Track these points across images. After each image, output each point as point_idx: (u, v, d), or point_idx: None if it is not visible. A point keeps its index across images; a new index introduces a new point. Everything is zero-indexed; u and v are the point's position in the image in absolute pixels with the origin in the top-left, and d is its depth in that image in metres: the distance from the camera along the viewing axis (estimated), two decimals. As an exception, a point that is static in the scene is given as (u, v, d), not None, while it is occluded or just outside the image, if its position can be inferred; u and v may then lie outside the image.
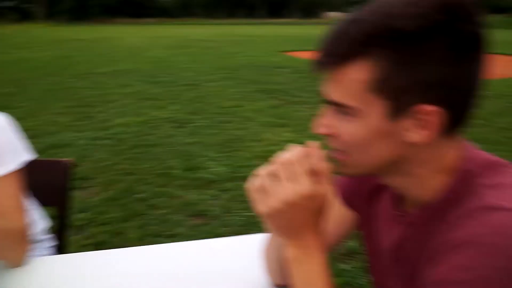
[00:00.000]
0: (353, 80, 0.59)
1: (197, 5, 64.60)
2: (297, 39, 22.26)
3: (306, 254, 0.68)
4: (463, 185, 0.61)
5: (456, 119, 0.60)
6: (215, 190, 3.45)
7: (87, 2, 52.35)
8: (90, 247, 2.52)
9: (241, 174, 3.76)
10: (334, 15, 67.88)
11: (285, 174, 0.66)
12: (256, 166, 3.10)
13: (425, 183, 0.65)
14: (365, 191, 0.82)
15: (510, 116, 5.92)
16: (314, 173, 0.65)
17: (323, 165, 0.66)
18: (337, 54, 0.60)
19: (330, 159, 0.69)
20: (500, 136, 4.96)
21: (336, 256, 2.55)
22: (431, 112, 0.58)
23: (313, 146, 0.68)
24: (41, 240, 1.32)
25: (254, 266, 1.10)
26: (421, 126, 0.59)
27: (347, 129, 0.63)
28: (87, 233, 2.76)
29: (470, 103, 0.61)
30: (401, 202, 0.73)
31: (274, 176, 0.66)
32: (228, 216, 3.04)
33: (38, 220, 1.31)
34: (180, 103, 6.61)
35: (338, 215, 0.87)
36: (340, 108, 0.62)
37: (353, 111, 0.61)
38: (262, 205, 0.67)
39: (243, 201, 3.25)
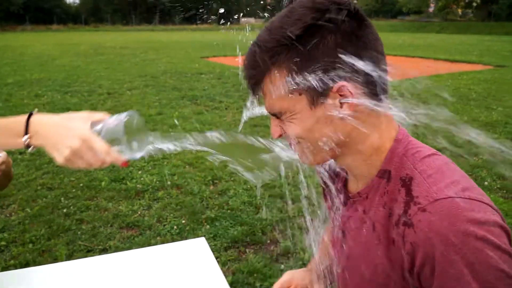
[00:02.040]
0: (273, 90, 0.70)
1: (109, 11, 62.18)
2: (214, 45, 22.36)
3: None
4: (396, 167, 0.71)
5: (371, 89, 0.69)
6: (146, 200, 3.39)
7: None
8: (15, 268, 2.35)
9: (171, 182, 3.74)
10: (248, 20, 69.26)
11: None
12: (186, 173, 3.19)
13: (366, 161, 0.75)
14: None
15: (415, 114, 6.50)
16: None
17: None
18: (253, 76, 0.71)
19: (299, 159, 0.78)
20: (411, 132, 5.42)
21: (273, 257, 2.64)
22: (342, 88, 0.67)
23: None
24: None
25: (190, 271, 1.14)
26: (343, 101, 0.68)
27: (288, 128, 0.73)
28: (10, 254, 2.58)
29: (377, 72, 0.70)
30: (348, 183, 0.83)
31: None
32: (162, 225, 3.01)
33: None
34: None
35: None
36: (277, 115, 0.73)
37: (285, 113, 0.71)
38: None
39: (176, 209, 3.25)
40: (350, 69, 0.67)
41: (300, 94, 0.68)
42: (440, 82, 9.56)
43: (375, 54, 0.70)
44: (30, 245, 2.69)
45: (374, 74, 0.70)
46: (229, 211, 3.21)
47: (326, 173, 0.92)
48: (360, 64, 0.68)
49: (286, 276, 0.91)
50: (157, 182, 3.72)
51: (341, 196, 0.85)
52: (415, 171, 0.69)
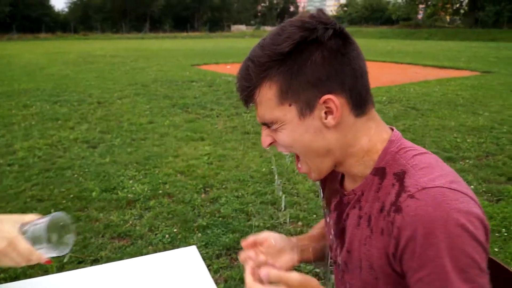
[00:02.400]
0: (264, 100, 0.77)
1: (98, 19, 62.01)
2: (205, 52, 22.45)
3: None
4: (389, 164, 0.77)
5: (357, 99, 0.77)
6: (138, 209, 3.40)
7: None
8: (5, 281, 2.35)
9: (163, 191, 3.74)
10: (239, 27, 69.44)
11: None
12: (177, 181, 3.23)
13: (360, 162, 0.81)
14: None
15: (406, 119, 6.57)
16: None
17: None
18: (246, 88, 0.77)
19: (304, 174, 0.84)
20: (398, 138, 5.50)
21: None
22: (329, 100, 0.74)
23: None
24: None
25: (182, 280, 1.15)
26: (329, 112, 0.75)
27: (279, 137, 0.80)
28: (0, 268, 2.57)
29: (361, 87, 0.78)
30: (342, 179, 0.90)
31: None
32: (153, 234, 3.02)
33: None
34: (90, 122, 6.35)
35: None
36: (268, 124, 0.79)
37: (276, 123, 0.78)
38: None
39: (168, 217, 3.26)
40: (336, 83, 0.74)
41: (290, 105, 0.75)
42: (428, 88, 9.69)
43: (358, 69, 0.77)
44: (21, 257, 2.68)
45: (357, 87, 0.77)
46: (220, 218, 3.23)
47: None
48: (345, 78, 0.75)
49: (263, 234, 0.95)
50: (149, 191, 3.73)
51: (338, 195, 0.91)
52: (408, 166, 0.75)
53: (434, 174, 0.71)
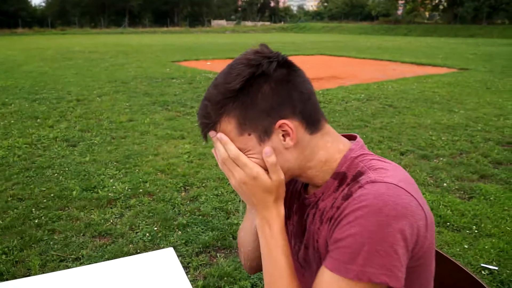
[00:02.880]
0: (226, 133, 0.84)
1: (76, 14, 60.86)
2: (185, 48, 22.33)
3: (267, 223, 0.87)
4: (349, 168, 0.85)
5: (309, 118, 0.85)
6: (118, 208, 3.43)
7: None
8: (-13, 282, 2.37)
9: (143, 189, 3.78)
10: (219, 23, 69.05)
11: (232, 165, 0.86)
12: (158, 180, 3.29)
13: (319, 172, 0.89)
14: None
15: (383, 117, 6.72)
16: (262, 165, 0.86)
17: (269, 159, 0.85)
18: (207, 125, 0.85)
19: None
20: (378, 135, 5.64)
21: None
22: (284, 124, 0.82)
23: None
24: None
25: (158, 282, 1.21)
26: (286, 135, 0.83)
27: None
28: (-19, 267, 2.59)
29: (311, 103, 0.86)
30: (306, 188, 0.98)
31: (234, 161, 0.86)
32: (134, 233, 3.07)
33: None
34: (69, 120, 6.32)
35: None
36: None
37: (241, 151, 0.84)
38: (232, 180, 0.87)
39: (149, 216, 3.30)
40: (287, 108, 0.83)
41: (249, 135, 0.83)
42: (406, 85, 9.88)
43: (305, 92, 0.85)
44: (3, 256, 2.70)
45: (307, 108, 0.85)
46: (200, 217, 3.30)
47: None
48: (294, 103, 0.83)
49: None
50: (129, 190, 3.77)
51: (300, 198, 0.98)
52: (365, 168, 0.83)
53: (386, 174, 0.79)
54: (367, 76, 11.47)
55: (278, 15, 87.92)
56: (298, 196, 1.00)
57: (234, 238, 3.00)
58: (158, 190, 3.78)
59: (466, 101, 8.11)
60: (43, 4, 68.36)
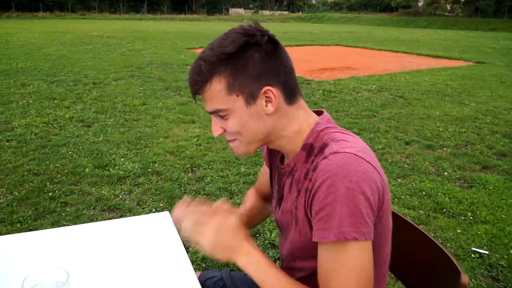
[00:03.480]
0: (215, 93, 0.92)
1: (96, -1, 61.33)
2: (201, 35, 22.42)
3: (251, 256, 0.97)
4: (315, 140, 0.96)
5: (288, 91, 0.95)
6: (128, 185, 3.60)
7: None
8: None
9: (152, 169, 3.95)
10: (237, 11, 68.81)
11: (201, 223, 0.98)
12: (167, 161, 3.46)
13: (291, 141, 1.00)
14: (268, 153, 1.18)
15: (392, 107, 6.77)
16: (216, 213, 0.99)
17: (221, 208, 1.01)
18: (198, 82, 0.93)
19: (231, 150, 1.03)
20: (385, 125, 5.70)
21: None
22: (268, 91, 0.92)
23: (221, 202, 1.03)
24: None
25: (152, 243, 1.29)
26: (269, 101, 0.93)
27: (228, 124, 0.96)
28: (-2, 233, 2.78)
29: (292, 77, 0.96)
30: (282, 158, 1.09)
31: (197, 227, 0.98)
32: (141, 208, 3.23)
33: None
34: (85, 102, 6.52)
35: (265, 172, 1.29)
36: (218, 113, 0.95)
37: (226, 111, 0.94)
38: (204, 247, 0.95)
39: (156, 193, 3.47)
40: (273, 77, 0.93)
41: (237, 96, 0.92)
42: (419, 77, 9.86)
43: (288, 67, 0.97)
44: (18, 225, 2.89)
45: (288, 81, 0.96)
46: (205, 196, 3.44)
47: (266, 155, 1.19)
48: (279, 74, 0.95)
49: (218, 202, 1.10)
50: (139, 169, 3.93)
51: (278, 169, 1.11)
52: (329, 140, 0.94)
53: (347, 144, 0.91)
54: (381, 67, 11.43)
55: (296, 5, 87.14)
56: (276, 167, 1.12)
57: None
58: (166, 170, 3.94)
59: (478, 94, 8.08)
60: (64, -12, 68.83)
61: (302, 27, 38.25)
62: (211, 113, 0.97)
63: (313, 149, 0.96)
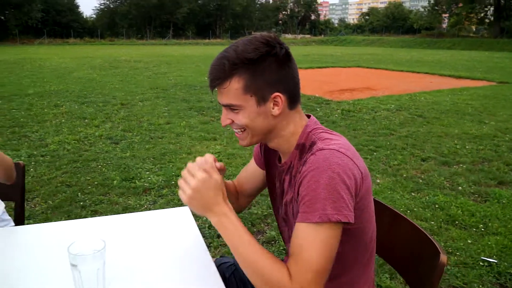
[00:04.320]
0: (233, 90, 1.07)
1: (124, 26, 63.63)
2: (225, 59, 22.91)
3: (225, 217, 1.09)
4: (306, 140, 1.13)
5: (292, 98, 1.12)
6: (152, 196, 3.83)
7: (6, 22, 49.82)
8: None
9: (175, 182, 4.17)
10: (261, 36, 69.61)
11: (189, 174, 1.11)
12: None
13: (287, 141, 1.16)
14: (263, 155, 1.35)
15: (410, 126, 6.85)
16: (205, 170, 1.11)
17: (207, 164, 1.13)
18: (220, 78, 1.07)
19: (237, 138, 1.19)
20: (402, 142, 5.81)
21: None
22: (278, 96, 1.08)
23: (209, 156, 1.16)
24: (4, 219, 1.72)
25: (172, 236, 1.41)
26: (276, 105, 1.10)
27: (238, 118, 1.11)
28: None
29: (297, 87, 1.13)
30: (279, 158, 1.25)
31: (184, 176, 1.12)
32: (165, 217, 3.44)
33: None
34: (113, 121, 6.87)
35: (252, 170, 1.42)
36: (230, 107, 1.11)
37: (238, 107, 1.09)
38: (184, 197, 1.09)
39: (178, 204, 3.67)
40: (283, 85, 1.10)
41: (251, 96, 1.07)
42: (440, 97, 9.88)
43: (296, 78, 1.14)
44: (52, 230, 3.14)
45: (294, 90, 1.14)
46: (224, 206, 3.63)
47: (260, 157, 1.37)
48: (288, 83, 1.12)
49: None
50: (163, 181, 4.17)
51: (277, 168, 1.27)
52: (316, 139, 1.09)
53: (331, 142, 1.07)
54: (401, 88, 11.51)
55: (318, 28, 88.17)
56: (275, 166, 1.28)
57: (253, 225, 3.32)
58: (188, 183, 4.14)
59: (499, 113, 8.07)
60: (94, 16, 71.78)
61: (324, 50, 38.65)
62: (224, 106, 1.11)
63: (304, 148, 1.12)
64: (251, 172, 1.43)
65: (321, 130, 1.14)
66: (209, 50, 34.60)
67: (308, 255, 0.97)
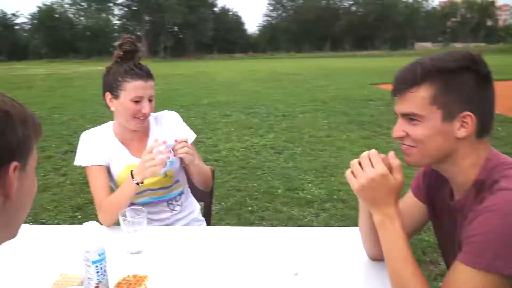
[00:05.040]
0: (419, 97, 0.97)
1: (284, 40, 66.73)
2: (385, 71, 22.16)
3: (389, 219, 1.02)
4: (488, 176, 0.97)
5: (484, 125, 0.97)
6: (315, 208, 3.87)
7: (184, 40, 57.32)
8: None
9: (338, 197, 4.15)
10: (423, 45, 65.85)
11: (367, 162, 1.03)
12: (351, 191, 3.55)
13: (464, 173, 1.00)
14: (429, 187, 1.19)
15: None
16: (388, 165, 1.02)
17: (395, 161, 1.03)
18: (409, 82, 0.98)
19: (403, 153, 1.06)
20: None
21: (431, 276, 2.81)
22: (469, 116, 0.95)
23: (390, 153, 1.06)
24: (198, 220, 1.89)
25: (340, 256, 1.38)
26: (463, 126, 0.96)
27: (415, 130, 0.99)
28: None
29: (491, 115, 0.99)
30: (452, 194, 1.09)
31: (360, 164, 1.04)
32: (328, 231, 3.44)
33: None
34: (276, 132, 7.21)
35: (410, 206, 1.24)
36: (411, 117, 0.99)
37: (420, 118, 0.97)
38: (355, 183, 1.03)
39: (341, 219, 3.64)
40: (477, 106, 0.97)
41: (437, 109, 0.96)
42: None
43: (493, 103, 1.00)
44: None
45: (488, 116, 0.99)
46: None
47: (423, 188, 1.21)
48: (484, 105, 0.98)
49: None
50: (325, 195, 4.18)
51: (446, 205, 1.11)
52: (500, 177, 0.94)
53: None
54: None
55: (496, 35, 79.06)
56: (445, 202, 1.12)
57: (424, 253, 3.08)
58: (351, 199, 4.08)
59: None
60: (257, 32, 77.01)
61: (503, 60, 34.38)
62: (403, 114, 1.00)
63: (483, 186, 0.96)
64: (409, 206, 1.23)
65: (508, 167, 0.97)
66: (368, 63, 33.87)
67: None
